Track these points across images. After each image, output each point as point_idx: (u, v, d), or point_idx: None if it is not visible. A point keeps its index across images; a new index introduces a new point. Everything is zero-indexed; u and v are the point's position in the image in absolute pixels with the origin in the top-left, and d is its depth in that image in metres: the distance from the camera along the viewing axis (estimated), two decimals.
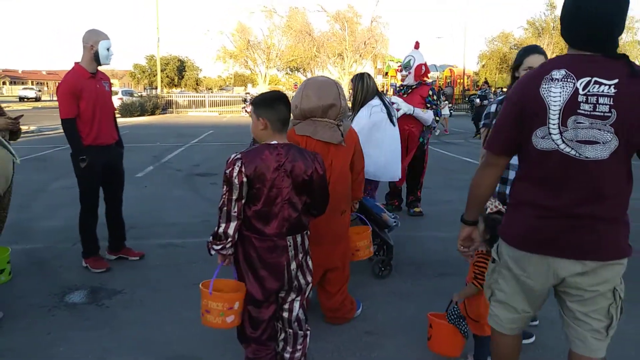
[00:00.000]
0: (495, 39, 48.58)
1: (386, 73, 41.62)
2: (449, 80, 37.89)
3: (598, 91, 1.72)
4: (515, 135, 1.91)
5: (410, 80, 6.07)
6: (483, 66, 49.94)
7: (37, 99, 49.91)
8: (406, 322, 3.36)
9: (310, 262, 2.57)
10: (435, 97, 6.10)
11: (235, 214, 2.32)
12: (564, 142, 1.78)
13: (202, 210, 6.41)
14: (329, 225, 3.05)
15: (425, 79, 6.20)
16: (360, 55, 44.51)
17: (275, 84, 60.65)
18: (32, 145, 12.94)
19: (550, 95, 1.79)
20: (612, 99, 1.71)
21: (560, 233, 1.85)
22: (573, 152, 1.78)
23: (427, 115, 5.96)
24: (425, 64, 6.09)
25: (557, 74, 1.79)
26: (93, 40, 4.08)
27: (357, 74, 4.58)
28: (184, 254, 4.70)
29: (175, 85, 58.19)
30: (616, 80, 1.71)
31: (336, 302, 3.25)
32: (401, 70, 6.17)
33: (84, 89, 4.02)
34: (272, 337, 2.57)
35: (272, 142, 2.36)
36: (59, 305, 3.58)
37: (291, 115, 2.54)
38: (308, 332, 2.64)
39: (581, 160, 1.77)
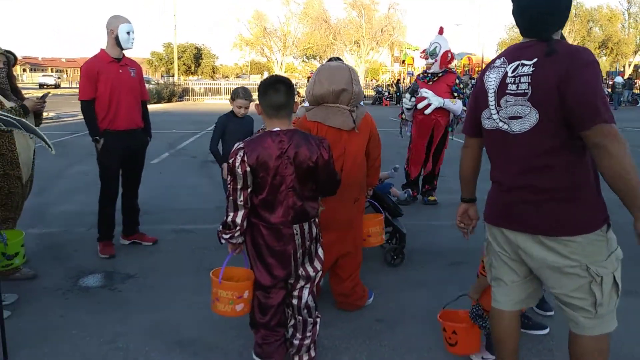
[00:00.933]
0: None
1: (403, 61, 41.18)
2: (467, 69, 37.37)
3: (521, 72, 1.91)
4: (475, 118, 2.16)
5: (436, 68, 5.87)
6: None
7: (57, 86, 50.48)
8: (417, 311, 3.32)
9: (320, 250, 2.55)
10: (462, 86, 5.94)
11: (242, 203, 2.30)
12: (501, 120, 2.00)
13: (216, 196, 6.41)
14: (342, 212, 3.01)
15: (450, 66, 6.05)
16: (377, 43, 44.14)
17: (292, 72, 60.51)
18: (51, 131, 13.11)
19: (488, 81, 2.05)
20: (530, 77, 1.88)
21: (511, 205, 2.01)
22: (506, 127, 1.98)
23: (457, 105, 5.79)
24: (450, 51, 5.91)
25: (498, 62, 2.05)
26: (113, 24, 4.10)
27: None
28: (196, 240, 4.71)
29: (192, 73, 58.28)
30: (535, 60, 1.88)
31: (347, 288, 3.23)
32: (427, 58, 5.93)
33: (101, 72, 4.05)
34: (281, 323, 2.56)
35: (275, 129, 2.32)
36: (72, 288, 3.62)
37: (298, 100, 2.50)
38: (318, 320, 2.62)
39: (511, 134, 1.96)
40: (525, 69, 1.90)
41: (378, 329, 3.07)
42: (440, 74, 5.88)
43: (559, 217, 1.90)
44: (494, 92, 2.01)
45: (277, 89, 2.32)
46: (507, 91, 1.95)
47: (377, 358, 2.77)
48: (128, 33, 4.12)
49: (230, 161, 2.27)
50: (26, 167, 3.72)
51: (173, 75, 40.09)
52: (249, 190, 2.31)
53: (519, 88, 1.91)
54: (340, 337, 2.96)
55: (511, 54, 2.01)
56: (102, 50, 4.19)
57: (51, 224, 5.20)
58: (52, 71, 72.80)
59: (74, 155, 9.15)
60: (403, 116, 6.19)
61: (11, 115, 2.71)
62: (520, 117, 1.92)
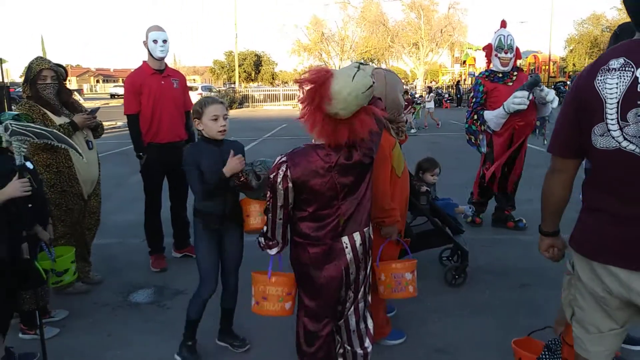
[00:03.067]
0: (585, 22, 45.22)
1: (464, 61, 39.96)
2: (532, 67, 35.73)
3: None
4: (576, 135, 1.73)
5: (511, 65, 4.97)
6: (571, 51, 46.68)
7: None
8: (482, 340, 3.00)
9: (369, 264, 2.31)
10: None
11: (281, 221, 2.13)
12: (625, 138, 1.59)
13: None
14: None
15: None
16: (436, 44, 43.18)
17: None
18: (118, 140, 13.60)
19: (605, 88, 1.61)
20: None
21: (632, 242, 1.62)
22: (633, 148, 1.57)
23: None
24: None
25: (615, 63, 1.61)
26: (145, 35, 4.06)
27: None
28: (248, 252, 4.58)
29: (252, 80, 59.51)
30: None
31: None
32: (507, 52, 4.94)
33: (144, 85, 4.02)
34: (329, 356, 2.34)
35: (320, 143, 2.10)
36: (122, 304, 3.58)
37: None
38: (369, 350, 2.38)
39: None
40: None
41: None
42: (515, 72, 5.01)
43: None
44: (617, 102, 1.59)
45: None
46: None
47: None
48: (155, 41, 4.04)
49: (272, 176, 2.08)
50: (89, 183, 3.72)
51: (234, 83, 41.01)
52: (290, 207, 2.12)
53: None
54: None
55: (634, 53, 1.59)
56: (144, 62, 4.17)
57: (108, 234, 5.25)
58: (122, 82, 76.71)
59: (136, 165, 9.34)
60: (483, 127, 4.98)
61: (41, 127, 2.67)
62: None
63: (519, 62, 5.56)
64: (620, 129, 1.59)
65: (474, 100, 5.10)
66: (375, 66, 2.90)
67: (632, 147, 1.58)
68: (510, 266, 4.17)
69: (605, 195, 1.70)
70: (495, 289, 3.74)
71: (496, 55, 4.92)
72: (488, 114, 4.87)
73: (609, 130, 1.62)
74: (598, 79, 1.63)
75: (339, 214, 2.11)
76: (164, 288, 3.86)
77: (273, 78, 61.99)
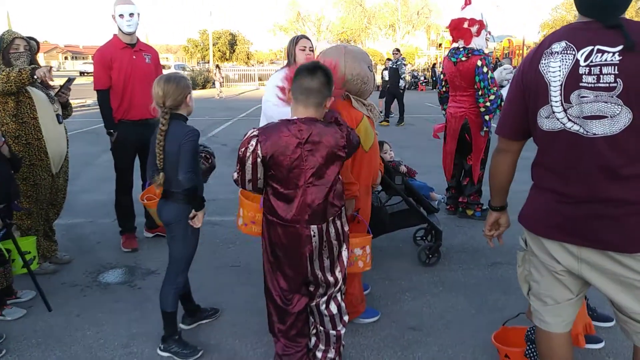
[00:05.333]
0: (559, 7, 45.70)
1: (440, 44, 40.06)
2: (506, 52, 36.07)
3: (601, 60, 1.55)
4: (521, 117, 1.80)
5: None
6: (544, 36, 47.26)
7: None
8: (454, 318, 3.04)
9: (345, 254, 2.29)
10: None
11: (252, 191, 2.17)
12: (569, 119, 1.63)
13: None
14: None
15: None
16: (412, 26, 43.11)
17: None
18: (87, 118, 13.22)
19: (549, 71, 1.66)
20: (616, 68, 1.53)
21: (579, 220, 1.68)
22: (581, 130, 1.62)
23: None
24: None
25: (557, 46, 1.65)
26: (113, 9, 3.92)
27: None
28: (222, 234, 4.54)
29: (227, 59, 58.50)
30: (620, 47, 1.53)
31: None
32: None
33: (114, 59, 3.87)
34: (302, 333, 2.34)
35: (293, 118, 2.09)
36: (91, 285, 3.50)
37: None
38: (342, 333, 2.37)
39: (589, 138, 1.60)
40: (607, 57, 1.54)
41: (411, 339, 2.81)
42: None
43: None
44: (561, 85, 1.63)
45: (313, 75, 2.06)
46: (582, 84, 1.58)
47: None
48: (121, 16, 3.88)
49: (242, 150, 2.04)
50: (57, 157, 3.59)
51: (208, 62, 40.26)
52: (259, 182, 2.11)
53: (601, 81, 1.55)
54: (368, 347, 2.72)
55: (575, 37, 1.62)
56: (114, 35, 4.01)
57: (78, 214, 5.12)
58: (92, 59, 74.49)
59: (107, 143, 9.10)
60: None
61: None
62: (604, 117, 1.56)
63: (493, 45, 5.47)
64: (565, 110, 1.63)
65: (491, 77, 4.46)
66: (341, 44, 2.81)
67: (576, 127, 1.62)
68: (483, 245, 4.22)
69: (552, 175, 1.75)
70: (468, 267, 3.79)
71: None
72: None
73: (553, 112, 1.66)
74: (542, 63, 1.68)
75: (306, 198, 2.08)
76: (135, 268, 3.79)
77: (248, 58, 61.07)
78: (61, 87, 3.60)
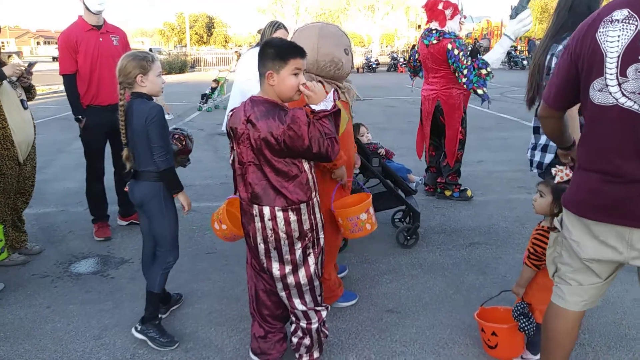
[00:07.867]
0: None
1: (419, 25, 39.95)
2: (485, 33, 36.15)
3: None
4: (570, 88, 1.70)
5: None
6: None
7: None
8: (432, 299, 3.03)
9: (311, 259, 2.15)
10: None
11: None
12: (623, 94, 1.52)
13: (221, 172, 6.15)
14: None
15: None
16: (391, 7, 42.81)
17: None
18: (58, 105, 12.88)
19: (607, 40, 1.53)
20: None
21: (631, 200, 1.58)
22: (635, 107, 1.51)
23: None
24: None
25: (619, 14, 1.52)
26: None
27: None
28: (197, 220, 4.45)
29: (204, 43, 57.54)
30: None
31: None
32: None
33: (80, 42, 3.72)
34: (277, 316, 2.30)
35: (252, 96, 2.11)
36: (62, 275, 3.40)
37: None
38: (314, 327, 2.26)
39: None
40: None
41: (389, 321, 2.79)
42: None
43: None
44: (618, 57, 1.51)
45: (263, 54, 2.05)
46: None
47: (386, 356, 2.49)
48: None
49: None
50: (24, 145, 3.45)
51: (185, 46, 39.53)
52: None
53: None
54: (346, 331, 2.69)
55: (638, 5, 1.50)
56: (79, 17, 3.84)
57: (48, 202, 4.98)
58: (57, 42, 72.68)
59: (77, 131, 8.92)
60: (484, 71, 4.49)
61: None
62: None
63: (472, 26, 5.43)
64: (619, 84, 1.53)
65: (462, 56, 4.44)
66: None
67: (630, 103, 1.52)
68: (461, 226, 4.23)
69: (600, 154, 1.64)
70: (447, 248, 3.78)
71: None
72: (492, 55, 4.49)
73: (607, 86, 1.55)
74: (600, 31, 1.55)
75: (247, 176, 2.06)
76: (108, 257, 3.70)
77: (226, 41, 60.19)
78: (25, 68, 3.46)
